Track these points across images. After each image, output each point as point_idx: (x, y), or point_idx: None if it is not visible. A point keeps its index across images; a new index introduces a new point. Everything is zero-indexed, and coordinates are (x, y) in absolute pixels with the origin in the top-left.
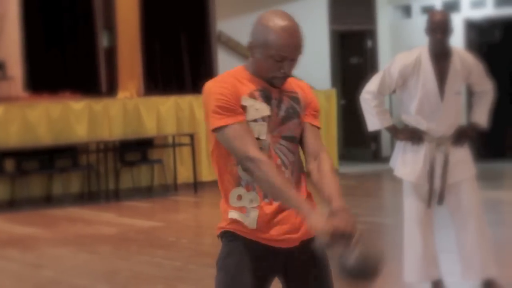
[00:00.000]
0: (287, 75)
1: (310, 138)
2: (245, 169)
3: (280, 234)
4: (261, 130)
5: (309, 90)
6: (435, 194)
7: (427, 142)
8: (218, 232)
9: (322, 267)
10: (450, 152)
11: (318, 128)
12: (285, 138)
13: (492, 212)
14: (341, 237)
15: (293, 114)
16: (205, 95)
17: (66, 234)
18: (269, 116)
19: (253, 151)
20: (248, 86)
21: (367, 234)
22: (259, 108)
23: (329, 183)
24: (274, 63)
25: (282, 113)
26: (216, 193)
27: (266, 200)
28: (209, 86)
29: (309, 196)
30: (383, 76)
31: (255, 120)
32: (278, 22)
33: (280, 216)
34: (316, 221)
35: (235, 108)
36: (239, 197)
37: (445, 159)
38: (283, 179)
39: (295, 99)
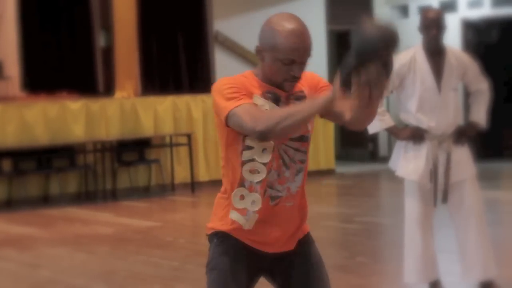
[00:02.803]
0: (297, 79)
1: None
2: (262, 138)
3: (271, 239)
4: None
5: (312, 77)
6: (439, 192)
7: (429, 140)
8: (209, 232)
9: (313, 268)
10: (452, 151)
11: None
12: (292, 138)
13: (489, 212)
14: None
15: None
16: (215, 91)
17: (63, 234)
18: None
19: (259, 125)
20: (258, 89)
21: (364, 234)
22: (268, 109)
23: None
24: (283, 66)
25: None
26: (213, 193)
27: (272, 203)
28: (219, 82)
29: (304, 207)
30: None
31: None
32: (286, 25)
33: (276, 220)
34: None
35: (246, 95)
36: (242, 197)
37: (448, 157)
38: (288, 107)
39: (302, 98)
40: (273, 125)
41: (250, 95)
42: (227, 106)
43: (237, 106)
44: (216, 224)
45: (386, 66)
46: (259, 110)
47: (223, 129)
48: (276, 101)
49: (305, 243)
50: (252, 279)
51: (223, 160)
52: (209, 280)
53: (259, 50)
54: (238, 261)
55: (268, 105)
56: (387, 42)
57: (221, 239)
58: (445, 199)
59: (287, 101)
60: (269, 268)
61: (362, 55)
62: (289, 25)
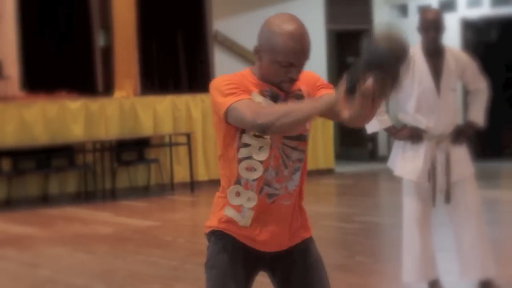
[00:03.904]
0: (294, 80)
1: None
2: (262, 132)
3: (268, 239)
4: None
5: (311, 76)
6: (438, 192)
7: (427, 140)
8: (207, 230)
9: (312, 268)
10: (450, 150)
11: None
12: (290, 137)
13: (489, 212)
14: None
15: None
16: (214, 87)
17: (62, 233)
18: None
19: (260, 118)
20: (256, 87)
21: (364, 234)
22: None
23: None
24: (280, 68)
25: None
26: (213, 192)
27: (269, 201)
28: (217, 79)
29: (302, 208)
30: None
31: None
32: (285, 27)
33: (273, 217)
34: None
35: (245, 91)
36: (237, 194)
37: (447, 156)
38: (290, 104)
39: (300, 97)
40: (274, 120)
41: (248, 92)
42: (226, 101)
43: (236, 101)
44: (214, 222)
45: (394, 79)
46: (259, 105)
47: (221, 126)
48: (274, 99)
49: (305, 244)
50: (250, 277)
51: (220, 159)
52: (207, 278)
53: (257, 50)
54: (236, 259)
55: (266, 102)
56: (397, 57)
57: (218, 237)
58: (447, 199)
59: (285, 99)
60: (268, 266)
61: (370, 66)
62: (289, 28)
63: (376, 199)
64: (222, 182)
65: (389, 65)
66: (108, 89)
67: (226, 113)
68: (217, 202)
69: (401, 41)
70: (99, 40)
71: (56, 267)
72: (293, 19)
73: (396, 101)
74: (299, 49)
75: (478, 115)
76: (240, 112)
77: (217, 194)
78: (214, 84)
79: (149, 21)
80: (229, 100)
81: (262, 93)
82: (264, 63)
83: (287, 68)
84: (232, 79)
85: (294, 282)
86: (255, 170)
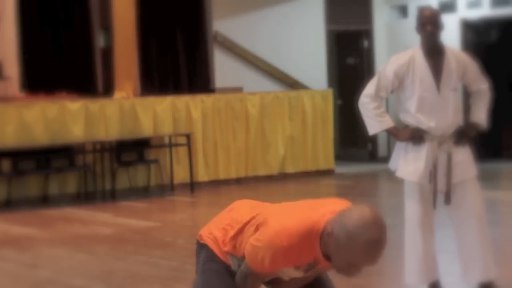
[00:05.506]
0: (352, 276)
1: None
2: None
3: None
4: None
5: None
6: (439, 194)
7: (429, 141)
8: (202, 241)
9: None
10: (453, 152)
11: None
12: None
13: (489, 212)
14: None
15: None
16: (270, 238)
17: (62, 234)
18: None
19: None
20: (303, 258)
21: None
22: (291, 275)
23: None
24: (348, 266)
25: (308, 273)
26: (213, 193)
27: None
28: (278, 238)
29: None
30: (379, 78)
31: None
32: (367, 237)
33: None
34: None
35: (279, 266)
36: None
37: (448, 158)
38: None
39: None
40: None
41: (284, 266)
42: (252, 264)
43: (251, 274)
44: (212, 246)
45: None
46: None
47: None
48: (308, 269)
49: None
50: None
51: (230, 238)
52: (203, 277)
53: (329, 236)
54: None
55: (294, 272)
56: None
57: (211, 251)
58: (447, 200)
59: (318, 268)
60: None
61: None
62: (370, 237)
63: (376, 199)
64: (231, 243)
65: None
66: (108, 90)
67: (245, 265)
68: (222, 237)
69: None
70: (99, 41)
71: (56, 267)
72: (377, 223)
73: (397, 101)
74: (373, 260)
75: (481, 116)
76: (245, 279)
77: (226, 232)
78: (274, 237)
79: (149, 22)
80: (253, 267)
81: (298, 267)
82: (332, 252)
83: (354, 267)
84: (292, 247)
85: None
86: None
